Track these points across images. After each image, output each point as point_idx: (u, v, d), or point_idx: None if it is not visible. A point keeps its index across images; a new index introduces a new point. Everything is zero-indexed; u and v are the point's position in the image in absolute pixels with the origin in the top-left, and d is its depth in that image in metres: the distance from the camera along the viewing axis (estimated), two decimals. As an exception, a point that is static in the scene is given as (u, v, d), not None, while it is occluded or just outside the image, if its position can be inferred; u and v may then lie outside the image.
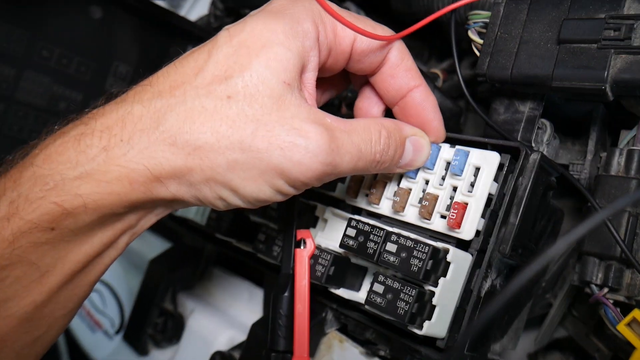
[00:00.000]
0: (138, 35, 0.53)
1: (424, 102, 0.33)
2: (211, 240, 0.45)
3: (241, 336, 0.42)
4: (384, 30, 0.31)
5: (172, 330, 0.46)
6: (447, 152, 0.33)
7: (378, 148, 0.29)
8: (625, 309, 0.31)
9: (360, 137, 0.29)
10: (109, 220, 0.28)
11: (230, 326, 0.43)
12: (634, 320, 0.26)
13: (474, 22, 0.36)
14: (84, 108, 0.51)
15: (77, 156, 0.26)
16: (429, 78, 0.43)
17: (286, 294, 0.34)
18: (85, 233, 0.27)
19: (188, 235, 0.49)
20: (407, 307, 0.29)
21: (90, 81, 0.51)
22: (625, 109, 0.33)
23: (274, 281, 0.41)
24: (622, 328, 0.26)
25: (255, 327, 0.39)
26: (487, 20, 0.35)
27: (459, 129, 0.47)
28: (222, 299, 0.47)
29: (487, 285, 0.31)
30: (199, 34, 0.55)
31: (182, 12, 0.67)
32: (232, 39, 0.28)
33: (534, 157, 0.30)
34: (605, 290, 0.31)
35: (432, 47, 0.62)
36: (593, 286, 0.32)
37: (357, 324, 0.36)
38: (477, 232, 0.31)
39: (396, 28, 0.33)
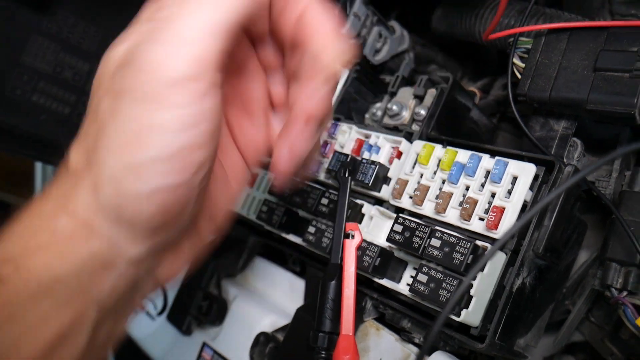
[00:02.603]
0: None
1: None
2: (259, 233, 0.49)
3: (283, 321, 0.46)
4: None
5: (216, 313, 0.49)
6: (487, 162, 0.37)
7: None
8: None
9: None
10: None
11: (272, 312, 0.47)
12: (651, 318, 0.30)
13: (517, 48, 0.40)
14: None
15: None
16: (465, 93, 0.47)
17: (334, 282, 0.38)
18: None
19: (234, 227, 0.53)
20: (449, 295, 0.33)
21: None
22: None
23: (316, 272, 0.45)
24: (641, 323, 0.30)
25: (300, 311, 0.43)
26: (529, 47, 0.39)
27: (493, 143, 0.51)
28: (263, 288, 0.51)
29: (518, 282, 0.35)
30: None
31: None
32: None
33: (569, 169, 0.34)
34: (625, 293, 0.35)
35: (465, 67, 0.66)
36: (613, 290, 0.35)
37: (394, 312, 0.40)
38: (512, 235, 0.35)
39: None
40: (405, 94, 0.48)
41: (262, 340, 0.44)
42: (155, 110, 0.23)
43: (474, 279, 0.33)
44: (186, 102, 0.24)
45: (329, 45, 0.27)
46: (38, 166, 0.92)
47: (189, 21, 0.24)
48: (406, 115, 0.46)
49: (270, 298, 0.49)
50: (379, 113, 0.49)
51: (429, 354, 0.38)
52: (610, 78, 0.34)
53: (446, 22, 0.56)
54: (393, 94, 0.49)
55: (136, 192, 0.24)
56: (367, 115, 0.51)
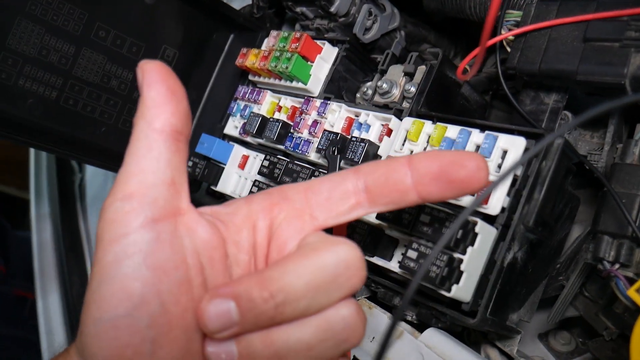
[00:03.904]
0: (185, 21, 0.57)
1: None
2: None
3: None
4: None
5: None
6: (477, 136, 0.36)
7: None
8: (632, 283, 0.34)
9: None
10: None
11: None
12: (642, 287, 0.30)
13: (506, 21, 0.39)
14: (134, 87, 0.55)
15: None
16: (454, 67, 0.46)
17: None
18: None
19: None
20: (439, 270, 0.32)
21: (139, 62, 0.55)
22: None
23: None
24: (632, 293, 0.30)
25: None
26: (519, 19, 0.38)
27: (484, 119, 0.50)
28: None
29: (509, 257, 0.35)
30: (242, 22, 0.59)
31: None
32: None
33: (558, 141, 0.33)
34: (617, 266, 0.35)
35: (457, 45, 0.65)
36: (605, 263, 0.35)
37: (386, 291, 0.40)
38: (502, 209, 0.34)
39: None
40: (396, 71, 0.47)
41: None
42: (98, 248, 0.26)
43: (464, 253, 0.33)
44: (118, 235, 0.26)
45: None
46: (32, 154, 0.92)
47: (122, 166, 0.27)
48: (396, 92, 0.45)
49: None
50: (370, 92, 0.48)
51: (421, 331, 0.38)
52: (600, 48, 0.33)
53: (437, 0, 0.55)
54: (383, 72, 0.48)
55: (87, 332, 0.26)
56: (357, 95, 0.50)
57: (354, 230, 0.38)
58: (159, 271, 0.26)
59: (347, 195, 0.29)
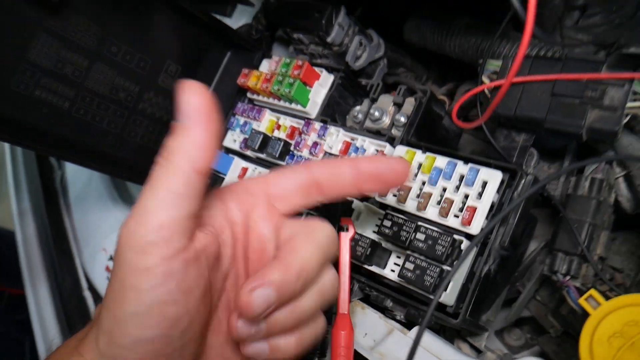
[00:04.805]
0: (187, 38, 0.61)
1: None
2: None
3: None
4: None
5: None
6: (462, 167, 0.43)
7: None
8: (580, 292, 0.43)
9: None
10: None
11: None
12: (590, 297, 0.38)
13: (487, 69, 0.46)
14: (139, 99, 0.59)
15: None
16: (439, 103, 0.54)
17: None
18: None
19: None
20: (432, 280, 0.39)
21: (146, 76, 0.59)
22: (592, 146, 0.45)
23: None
24: (582, 302, 0.38)
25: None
26: (497, 69, 0.46)
27: (458, 145, 0.58)
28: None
29: (485, 269, 0.42)
30: (238, 42, 0.64)
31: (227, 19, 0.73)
32: None
33: (529, 178, 0.41)
34: (568, 277, 0.43)
35: (430, 71, 0.73)
36: (559, 275, 0.43)
37: (378, 294, 0.46)
38: (482, 230, 0.42)
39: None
40: (385, 101, 0.54)
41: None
42: (128, 273, 0.28)
43: (452, 266, 0.40)
44: (153, 264, 0.28)
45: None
46: (7, 149, 0.92)
47: (150, 194, 0.29)
48: (386, 120, 0.52)
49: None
50: (360, 116, 0.54)
51: (409, 328, 0.45)
52: (564, 103, 0.41)
53: (418, 35, 0.62)
54: (374, 100, 0.55)
55: (121, 343, 0.29)
56: (348, 117, 0.57)
57: (357, 243, 0.44)
58: (188, 293, 0.30)
59: (301, 188, 0.36)
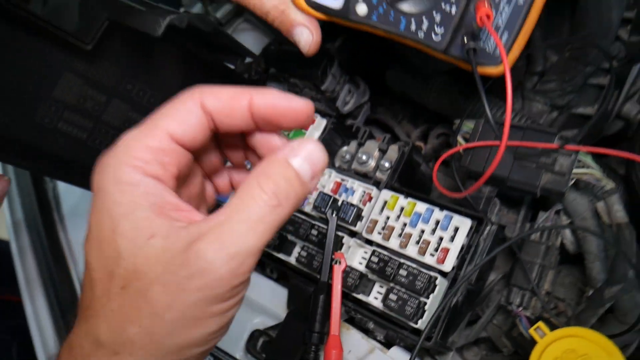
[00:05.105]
0: (195, 78, 0.67)
1: (268, 100, 0.31)
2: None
3: (271, 321, 0.59)
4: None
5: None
6: (438, 214, 0.52)
7: (265, 198, 0.28)
8: (529, 320, 0.52)
9: (242, 212, 0.28)
10: None
11: (261, 313, 0.59)
12: (538, 327, 0.46)
13: (461, 129, 0.55)
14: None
15: None
16: (418, 152, 0.62)
17: (323, 295, 0.51)
18: None
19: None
20: (412, 310, 0.47)
21: (155, 110, 0.65)
22: (544, 200, 0.54)
23: (298, 282, 0.58)
24: (532, 332, 0.47)
25: (290, 314, 0.56)
26: (470, 131, 0.54)
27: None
28: (250, 293, 0.63)
29: (454, 300, 0.50)
30: (236, 79, 0.70)
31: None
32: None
33: (494, 228, 0.50)
34: (520, 308, 0.52)
35: (405, 110, 0.81)
36: (514, 305, 0.52)
37: (362, 317, 0.54)
38: (453, 267, 0.50)
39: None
40: (371, 146, 0.62)
41: (256, 336, 0.57)
42: (215, 304, 0.28)
43: (428, 298, 0.48)
44: (236, 295, 0.29)
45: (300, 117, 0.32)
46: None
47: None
48: (372, 163, 0.60)
49: (257, 301, 0.61)
50: (348, 157, 0.62)
51: (388, 348, 0.53)
52: (524, 166, 0.50)
53: (399, 83, 0.71)
54: (361, 144, 0.62)
55: None
56: (336, 157, 0.64)
57: (347, 275, 0.52)
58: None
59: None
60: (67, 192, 0.85)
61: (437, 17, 0.42)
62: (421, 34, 0.43)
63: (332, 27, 0.50)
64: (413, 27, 0.42)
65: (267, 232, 0.28)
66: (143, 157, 0.29)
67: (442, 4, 0.41)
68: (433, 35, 0.42)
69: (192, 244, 0.27)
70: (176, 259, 0.27)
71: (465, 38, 0.41)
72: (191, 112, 0.31)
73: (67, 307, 0.73)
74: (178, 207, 0.30)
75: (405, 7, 0.42)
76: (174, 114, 0.31)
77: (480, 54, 0.42)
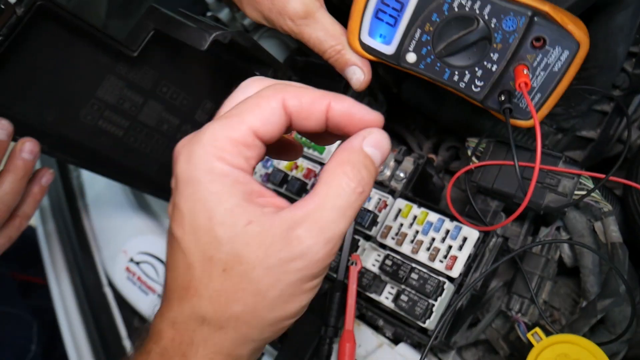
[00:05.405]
0: (224, 82, 0.72)
1: (345, 108, 0.34)
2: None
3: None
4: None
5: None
6: (448, 224, 0.56)
7: (352, 185, 0.31)
8: (527, 326, 0.56)
9: (333, 199, 0.31)
10: None
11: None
12: (535, 332, 0.51)
13: (473, 147, 0.59)
14: (178, 130, 0.69)
15: None
16: (431, 164, 0.66)
17: (339, 293, 0.56)
18: None
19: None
20: (421, 310, 0.52)
21: (186, 111, 0.69)
22: (546, 217, 0.58)
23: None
24: (529, 336, 0.51)
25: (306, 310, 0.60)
26: (482, 149, 0.59)
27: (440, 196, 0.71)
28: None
29: (459, 304, 0.55)
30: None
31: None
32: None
33: (500, 240, 0.54)
34: (519, 314, 0.56)
35: (417, 121, 0.86)
36: (513, 311, 0.57)
37: (372, 314, 0.59)
38: (460, 274, 0.55)
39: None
40: (388, 156, 0.66)
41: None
42: (310, 281, 0.32)
43: (436, 300, 0.53)
44: (325, 272, 0.33)
45: (373, 123, 0.34)
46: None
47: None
48: (388, 173, 0.65)
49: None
50: (365, 165, 0.66)
51: (396, 344, 0.57)
52: (530, 185, 0.55)
53: (414, 97, 0.75)
54: (378, 154, 0.67)
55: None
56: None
57: (362, 275, 0.57)
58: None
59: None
60: (90, 181, 0.90)
61: (479, 72, 0.46)
62: (462, 85, 0.47)
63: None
64: (456, 78, 0.47)
65: (353, 216, 0.32)
66: (229, 150, 0.31)
67: (485, 62, 0.45)
68: (473, 87, 0.47)
69: (290, 229, 0.30)
70: (276, 244, 0.30)
71: (502, 96, 0.46)
72: (274, 111, 0.32)
73: (91, 289, 0.77)
74: (262, 194, 0.33)
75: (451, 60, 0.46)
76: (259, 112, 0.32)
77: (513, 108, 0.46)
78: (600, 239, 0.54)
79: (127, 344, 0.72)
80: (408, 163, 0.64)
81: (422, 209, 0.58)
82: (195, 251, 0.31)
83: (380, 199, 0.62)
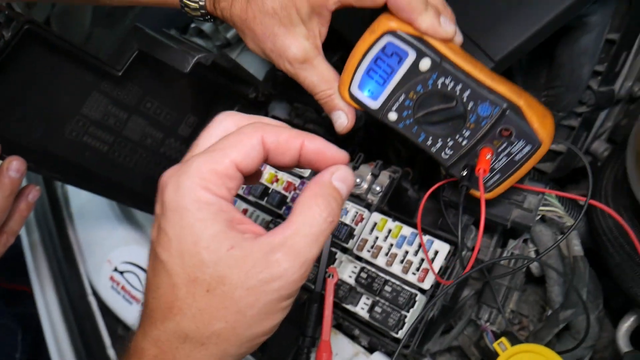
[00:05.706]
0: (207, 98, 0.74)
1: (317, 146, 0.38)
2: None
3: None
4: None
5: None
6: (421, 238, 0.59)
7: (324, 215, 0.35)
8: (495, 334, 0.59)
9: (307, 227, 0.34)
10: None
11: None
12: (501, 342, 0.54)
13: (445, 163, 0.62)
14: (162, 144, 0.70)
15: None
16: (406, 177, 0.69)
17: (316, 304, 0.58)
18: None
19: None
20: (394, 322, 0.55)
21: (170, 126, 0.71)
22: (512, 230, 0.61)
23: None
24: (495, 346, 0.54)
25: (284, 319, 0.63)
26: (453, 165, 0.61)
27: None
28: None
29: (431, 314, 0.58)
30: (243, 101, 0.77)
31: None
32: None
33: (469, 254, 0.57)
34: (488, 323, 0.59)
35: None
36: (482, 320, 0.60)
37: (349, 324, 0.61)
38: (431, 286, 0.57)
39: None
40: (365, 170, 0.69)
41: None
42: (285, 300, 0.36)
43: (408, 312, 0.56)
44: (297, 291, 0.37)
45: (339, 160, 0.39)
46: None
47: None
48: (365, 186, 0.67)
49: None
50: (343, 178, 0.69)
51: (371, 353, 0.60)
52: (498, 200, 0.57)
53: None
54: (355, 168, 0.69)
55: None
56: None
57: (339, 287, 0.59)
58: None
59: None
60: (75, 192, 0.91)
61: (450, 143, 0.50)
62: (434, 149, 0.51)
63: (334, 44, 0.56)
64: (429, 142, 0.51)
65: (324, 242, 0.35)
66: (214, 181, 0.34)
67: (457, 136, 0.49)
68: (442, 154, 0.51)
69: (269, 253, 0.34)
70: (257, 267, 0.33)
71: (465, 170, 0.50)
72: (254, 147, 0.36)
73: (76, 299, 0.79)
74: (242, 221, 0.36)
75: (427, 127, 0.50)
76: (241, 147, 0.35)
77: (471, 179, 0.51)
78: (563, 253, 0.58)
79: (111, 352, 0.73)
80: (384, 177, 0.66)
81: (397, 223, 0.61)
82: (181, 273, 0.34)
83: (357, 213, 0.64)
